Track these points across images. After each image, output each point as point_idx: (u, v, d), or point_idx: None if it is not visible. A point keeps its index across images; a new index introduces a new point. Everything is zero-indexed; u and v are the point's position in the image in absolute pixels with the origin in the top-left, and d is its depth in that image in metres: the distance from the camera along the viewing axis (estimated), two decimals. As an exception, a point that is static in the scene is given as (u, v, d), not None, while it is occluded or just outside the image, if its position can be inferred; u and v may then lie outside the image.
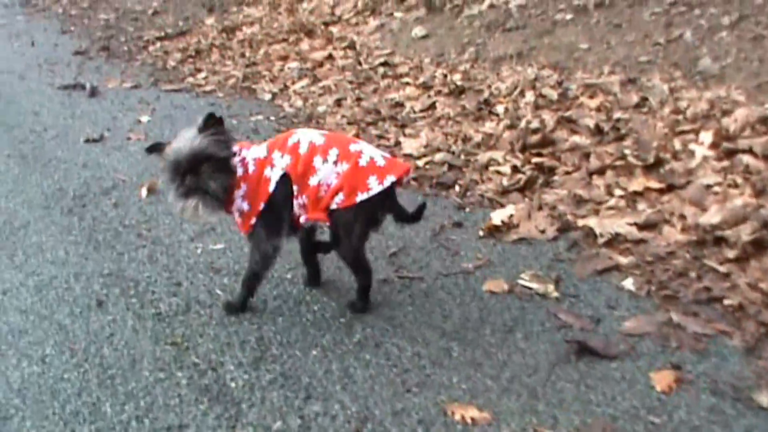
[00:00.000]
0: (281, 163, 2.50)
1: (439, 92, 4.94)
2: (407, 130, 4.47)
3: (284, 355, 2.50)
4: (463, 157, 4.02)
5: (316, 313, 2.76)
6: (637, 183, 3.47)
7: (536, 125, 4.14)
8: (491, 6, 6.22)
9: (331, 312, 2.76)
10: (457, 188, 3.75)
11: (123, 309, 2.83)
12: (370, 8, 7.15)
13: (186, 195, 2.45)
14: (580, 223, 3.28)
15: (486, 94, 4.75)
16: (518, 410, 2.19)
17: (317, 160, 2.46)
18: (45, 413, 2.27)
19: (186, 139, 2.44)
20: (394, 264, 3.09)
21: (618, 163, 3.64)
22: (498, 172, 3.80)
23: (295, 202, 2.52)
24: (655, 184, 3.42)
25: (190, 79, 6.38)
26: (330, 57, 6.17)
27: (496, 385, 2.31)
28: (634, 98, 4.29)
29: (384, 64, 5.77)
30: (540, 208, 3.43)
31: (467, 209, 3.56)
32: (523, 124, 4.19)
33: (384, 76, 5.50)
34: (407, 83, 5.22)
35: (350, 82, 5.47)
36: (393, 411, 2.21)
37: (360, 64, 5.85)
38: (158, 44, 7.80)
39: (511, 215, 3.37)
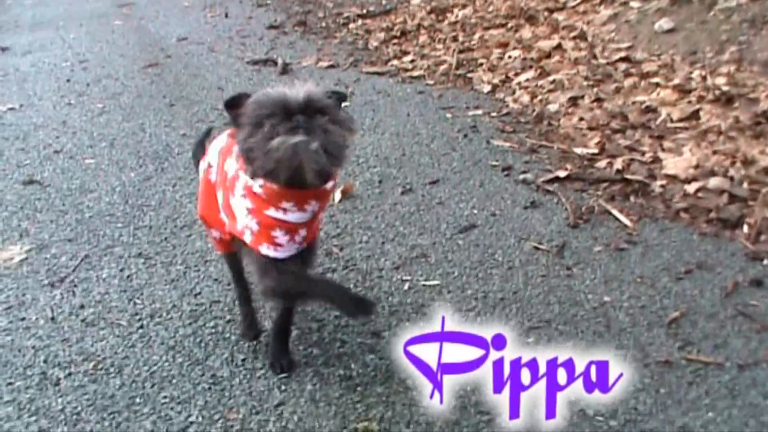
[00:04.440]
0: None
1: (701, 98, 4.07)
2: (666, 143, 3.66)
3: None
4: (746, 185, 3.19)
5: None
6: None
7: None
8: (753, -3, 5.22)
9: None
10: (745, 228, 2.93)
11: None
12: (601, -5, 6.31)
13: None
14: None
15: (764, 105, 3.85)
16: None
17: None
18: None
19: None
20: (676, 336, 2.33)
21: None
22: (800, 211, 2.97)
23: None
24: None
25: (395, 62, 5.82)
26: (559, 47, 5.40)
27: None
28: None
29: (624, 59, 4.95)
30: None
31: (765, 260, 2.72)
32: (824, 148, 3.32)
33: (626, 74, 4.68)
34: (658, 84, 4.38)
35: (585, 78, 4.69)
36: None
37: (595, 57, 5.06)
38: (359, 22, 7.33)
39: (838, 276, 2.55)
